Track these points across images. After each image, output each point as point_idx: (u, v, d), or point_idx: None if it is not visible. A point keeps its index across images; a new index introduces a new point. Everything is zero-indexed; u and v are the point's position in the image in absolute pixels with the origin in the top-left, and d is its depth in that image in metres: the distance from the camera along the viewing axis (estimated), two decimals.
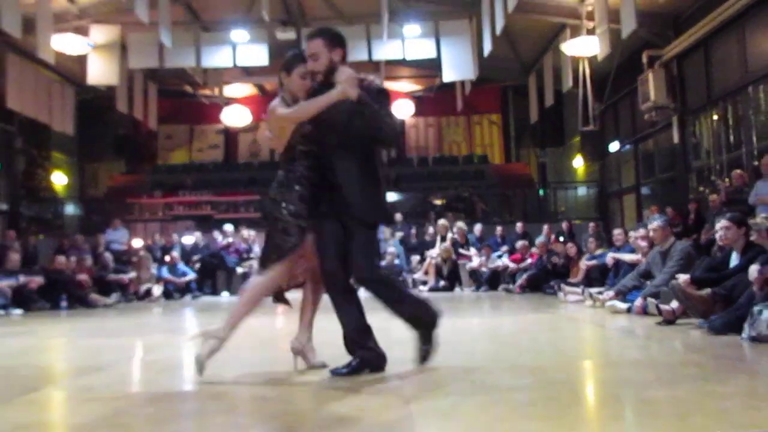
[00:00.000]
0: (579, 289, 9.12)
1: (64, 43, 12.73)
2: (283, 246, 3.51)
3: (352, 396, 3.03)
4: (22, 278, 10.29)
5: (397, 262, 13.71)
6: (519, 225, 14.43)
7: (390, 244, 14.28)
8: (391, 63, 15.97)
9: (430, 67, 16.09)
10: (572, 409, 2.79)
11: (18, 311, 9.69)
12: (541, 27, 14.73)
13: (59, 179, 17.70)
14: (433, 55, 13.94)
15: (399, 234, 15.10)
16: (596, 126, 15.38)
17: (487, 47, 12.81)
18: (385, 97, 3.60)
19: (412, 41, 13.96)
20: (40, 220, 16.50)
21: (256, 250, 14.48)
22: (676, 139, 13.06)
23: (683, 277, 5.55)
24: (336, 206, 3.56)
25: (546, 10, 13.48)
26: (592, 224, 13.42)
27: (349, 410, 2.73)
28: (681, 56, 12.58)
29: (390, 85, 20.09)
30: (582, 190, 19.36)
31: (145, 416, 2.79)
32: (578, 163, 18.86)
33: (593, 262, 9.82)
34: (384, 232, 14.96)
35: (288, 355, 3.74)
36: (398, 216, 16.14)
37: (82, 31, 13.28)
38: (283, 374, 3.77)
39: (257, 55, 14.06)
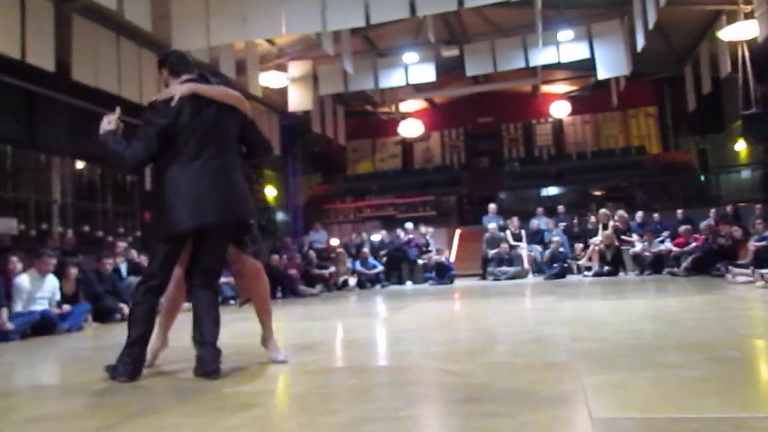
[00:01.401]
0: (748, 270, 8.30)
1: (268, 79, 13.58)
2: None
3: (527, 371, 2.97)
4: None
5: (562, 249, 13.24)
6: (680, 211, 13.40)
7: (554, 233, 13.84)
8: (546, 67, 15.47)
9: (585, 68, 15.36)
10: (748, 386, 2.53)
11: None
12: (695, 17, 13.57)
13: (270, 192, 18.88)
14: (586, 55, 13.29)
15: (562, 224, 14.60)
16: (758, 108, 13.89)
17: (640, 42, 12.00)
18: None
19: (566, 45, 13.42)
20: (258, 226, 17.60)
21: (433, 244, 14.64)
22: None
23: None
24: None
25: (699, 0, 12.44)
26: (758, 206, 12.15)
27: (524, 383, 2.67)
28: None
29: (546, 88, 19.53)
30: (745, 173, 17.57)
31: (348, 386, 2.90)
32: (740, 146, 17.17)
33: (762, 243, 8.89)
34: (548, 222, 14.55)
35: (465, 334, 3.73)
36: (560, 207, 15.64)
37: (282, 68, 14.10)
38: (463, 352, 3.78)
39: (426, 72, 14.18)
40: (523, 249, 13.83)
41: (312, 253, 13.44)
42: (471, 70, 14.04)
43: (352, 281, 13.39)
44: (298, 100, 14.32)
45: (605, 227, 13.27)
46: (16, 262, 6.68)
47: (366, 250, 14.18)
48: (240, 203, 3.38)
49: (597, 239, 12.98)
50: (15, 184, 10.68)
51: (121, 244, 9.58)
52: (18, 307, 6.38)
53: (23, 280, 6.53)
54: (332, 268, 13.35)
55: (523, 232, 14.25)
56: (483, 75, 16.55)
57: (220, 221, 3.29)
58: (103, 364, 3.28)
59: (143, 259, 9.54)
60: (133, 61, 10.80)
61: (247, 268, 3.67)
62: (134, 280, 8.67)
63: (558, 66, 14.93)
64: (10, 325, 5.98)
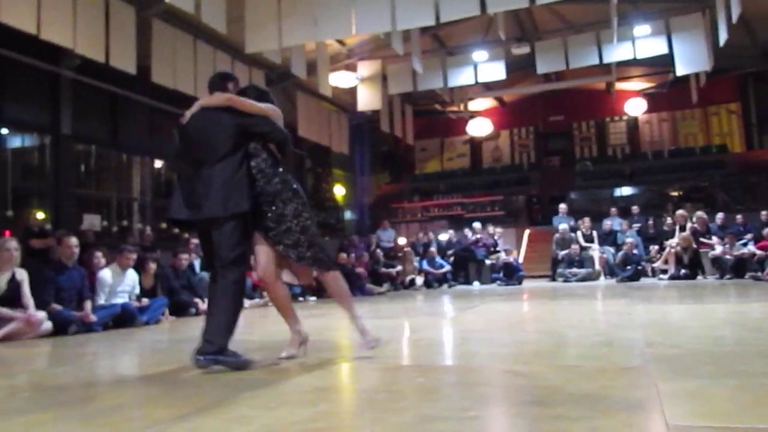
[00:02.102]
0: None
1: (338, 79, 13.75)
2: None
3: (598, 375, 2.89)
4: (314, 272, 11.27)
5: (635, 251, 12.84)
6: (764, 213, 12.72)
7: (628, 234, 13.43)
8: (621, 64, 15.01)
9: (662, 64, 14.82)
10: None
11: (312, 298, 10.64)
12: None
13: (338, 190, 19.10)
14: (664, 51, 12.80)
15: (636, 225, 14.16)
16: None
17: (723, 37, 11.45)
18: None
19: (642, 41, 12.97)
20: (326, 224, 17.84)
21: (501, 244, 14.47)
22: None
23: None
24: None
25: None
26: None
27: (597, 388, 2.60)
28: None
29: (621, 86, 18.95)
30: None
31: (416, 385, 2.90)
32: None
33: None
34: (621, 223, 14.13)
35: (534, 336, 3.67)
36: (635, 208, 15.16)
37: (352, 68, 14.25)
38: (531, 354, 3.71)
39: (496, 71, 14.01)
40: (595, 250, 13.49)
41: (379, 251, 13.52)
42: (542, 68, 13.78)
43: (419, 280, 13.40)
44: (367, 100, 14.42)
45: (683, 229, 12.80)
46: (100, 257, 7.01)
47: (433, 249, 14.17)
48: (210, 202, 3.37)
49: (674, 241, 12.53)
50: (98, 182, 11.20)
51: (195, 241, 9.82)
52: (100, 300, 6.71)
53: (106, 274, 6.86)
54: (399, 267, 13.39)
55: (594, 233, 13.90)
56: (554, 72, 16.24)
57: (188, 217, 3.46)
58: (178, 356, 3.40)
59: None
60: (209, 63, 11.14)
61: (325, 279, 3.78)
62: (207, 275, 8.94)
63: (633, 62, 14.48)
64: (93, 317, 6.29)
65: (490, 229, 15.03)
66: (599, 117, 20.79)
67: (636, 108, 18.48)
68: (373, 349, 3.64)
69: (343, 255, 12.08)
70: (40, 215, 9.16)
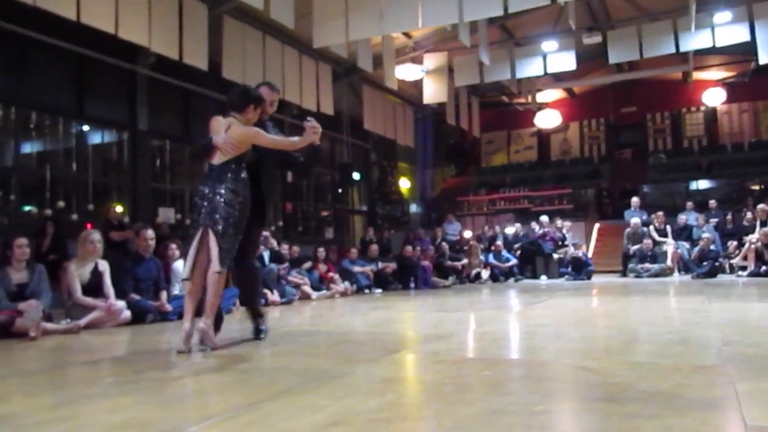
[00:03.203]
0: None
1: (404, 72, 13.77)
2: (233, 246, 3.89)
3: (672, 373, 2.82)
4: (380, 264, 11.41)
5: (712, 247, 12.34)
6: None
7: (704, 229, 12.93)
8: (699, 52, 14.43)
9: (743, 52, 14.17)
10: None
11: (378, 290, 10.74)
12: None
13: (404, 184, 19.15)
14: (746, 38, 12.22)
15: (713, 220, 13.61)
16: None
17: None
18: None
19: (722, 28, 12.42)
20: (391, 217, 17.96)
21: (570, 238, 14.20)
22: None
23: None
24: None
25: None
26: None
27: (671, 386, 2.54)
28: None
29: (698, 75, 18.22)
30: None
31: (482, 378, 2.90)
32: None
33: None
34: (697, 218, 13.62)
35: (604, 332, 3.60)
36: (712, 202, 14.58)
37: (418, 60, 14.24)
38: (601, 350, 3.65)
39: (565, 61, 13.70)
40: (669, 245, 13.06)
41: (445, 244, 13.51)
42: (614, 58, 13.41)
43: (485, 274, 13.32)
44: (432, 92, 14.39)
45: (764, 224, 12.24)
46: (174, 249, 7.28)
47: (499, 242, 14.05)
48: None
49: (754, 237, 12.00)
50: (172, 176, 11.60)
51: (264, 233, 10.02)
52: (175, 290, 6.96)
53: (180, 266, 7.10)
54: (465, 260, 13.35)
55: (668, 227, 13.44)
56: (627, 62, 15.77)
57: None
58: (248, 345, 3.49)
59: (285, 248, 10.05)
60: (277, 58, 11.37)
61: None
62: (276, 267, 9.15)
63: (712, 51, 13.88)
64: (169, 307, 6.55)
65: (558, 222, 14.77)
66: (674, 108, 20.05)
67: (715, 98, 17.75)
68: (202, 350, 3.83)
69: (409, 248, 12.12)
70: (119, 209, 9.55)
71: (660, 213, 13.80)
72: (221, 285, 3.90)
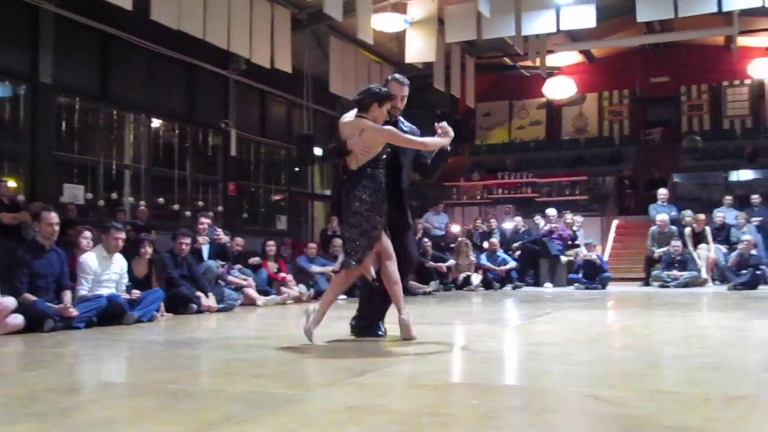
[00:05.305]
0: None
1: (382, 22, 13.68)
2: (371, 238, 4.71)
3: (701, 405, 2.86)
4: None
5: (754, 252, 12.53)
6: None
7: (745, 230, 13.14)
8: (745, 13, 14.61)
9: None
10: None
11: (342, 297, 10.70)
12: None
13: None
14: None
15: (757, 219, 13.81)
16: None
17: None
18: None
19: None
20: None
21: (582, 237, 14.32)
22: None
23: None
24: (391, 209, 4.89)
25: None
26: None
27: (698, 420, 2.58)
28: None
29: (744, 41, 18.43)
30: None
31: (470, 407, 2.91)
32: None
33: None
34: (738, 216, 13.82)
35: (622, 353, 3.65)
36: (755, 197, 14.79)
37: (400, 8, 14.12)
38: (618, 375, 3.69)
39: (584, 16, 13.68)
40: (702, 249, 13.25)
41: (427, 241, 13.45)
42: (644, 15, 13.48)
43: (476, 279, 13.35)
44: (417, 50, 14.34)
45: None
46: (89, 238, 7.10)
47: (495, 240, 14.09)
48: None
49: None
50: (83, 144, 11.37)
51: (205, 220, 9.75)
52: (83, 291, 6.75)
53: (89, 259, 6.89)
54: (452, 261, 13.38)
55: (708, 229, 13.55)
56: (659, 22, 15.90)
57: None
58: (177, 362, 3.47)
59: (239, 242, 9.97)
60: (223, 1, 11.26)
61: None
62: (215, 264, 9.04)
63: (762, 11, 14.05)
64: (74, 311, 6.32)
65: (569, 217, 14.87)
66: (714, 80, 20.35)
67: (763, 70, 18.02)
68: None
69: None
70: (12, 183, 9.36)
71: (701, 216, 13.79)
72: (340, 285, 5.07)
